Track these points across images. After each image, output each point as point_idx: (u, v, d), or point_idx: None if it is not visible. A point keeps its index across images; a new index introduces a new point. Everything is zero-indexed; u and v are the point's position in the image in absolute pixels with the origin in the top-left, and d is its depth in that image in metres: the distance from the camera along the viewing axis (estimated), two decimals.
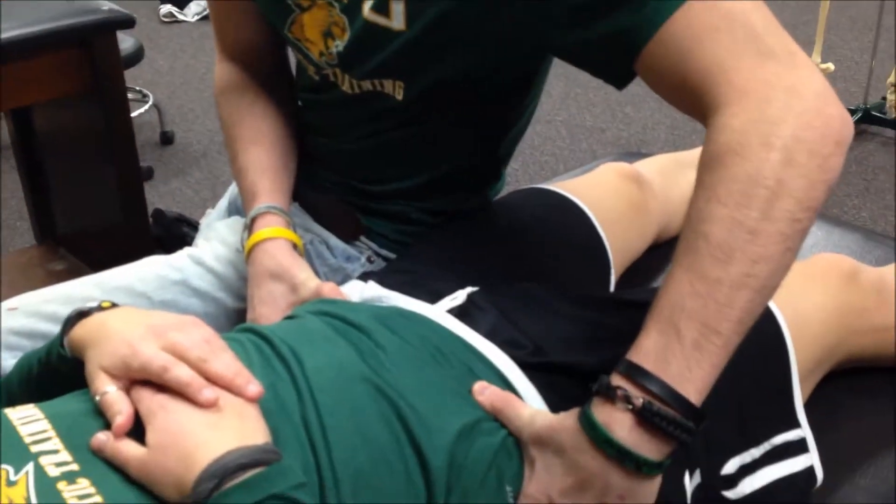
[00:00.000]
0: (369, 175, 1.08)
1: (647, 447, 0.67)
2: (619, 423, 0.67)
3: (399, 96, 0.96)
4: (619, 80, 0.81)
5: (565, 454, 0.70)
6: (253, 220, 1.02)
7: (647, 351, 0.68)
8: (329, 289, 0.93)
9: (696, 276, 0.67)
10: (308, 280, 0.96)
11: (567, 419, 0.71)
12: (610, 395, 0.68)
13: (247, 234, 1.02)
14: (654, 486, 0.69)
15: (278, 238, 1.00)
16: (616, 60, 0.79)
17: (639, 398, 0.67)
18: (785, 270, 0.69)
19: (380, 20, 0.89)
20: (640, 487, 0.69)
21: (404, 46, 0.89)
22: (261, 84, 1.12)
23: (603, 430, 0.68)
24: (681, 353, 0.67)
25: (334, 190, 1.10)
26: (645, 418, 0.67)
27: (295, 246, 1.01)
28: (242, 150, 1.08)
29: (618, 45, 0.76)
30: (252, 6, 1.06)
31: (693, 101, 0.74)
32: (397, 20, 0.88)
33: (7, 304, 1.04)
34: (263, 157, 1.07)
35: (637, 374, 0.68)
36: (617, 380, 0.68)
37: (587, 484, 0.69)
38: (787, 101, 0.69)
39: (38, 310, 1.02)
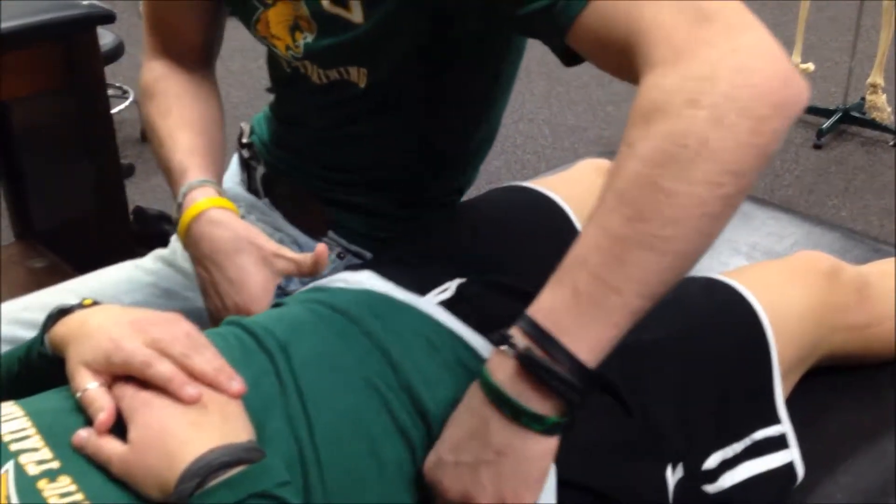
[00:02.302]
0: (339, 165, 1.07)
1: (528, 397, 0.65)
2: (501, 368, 0.66)
3: (362, 84, 0.97)
4: (563, 56, 0.80)
5: (462, 405, 0.70)
6: (185, 196, 0.93)
7: (543, 303, 0.66)
8: (320, 251, 0.88)
9: (602, 232, 0.65)
10: (277, 249, 0.90)
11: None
12: (500, 342, 0.67)
13: (180, 212, 0.93)
14: (538, 448, 0.66)
15: (221, 208, 0.92)
16: (552, 36, 0.77)
17: (521, 344, 0.65)
18: (702, 238, 0.65)
19: (340, 12, 0.90)
20: (520, 443, 0.66)
21: (363, 36, 0.90)
22: (189, 77, 1.10)
23: (487, 373, 0.67)
24: (576, 307, 0.64)
25: (304, 181, 1.10)
26: (525, 366, 0.65)
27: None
28: (168, 136, 1.02)
29: (550, 21, 0.74)
30: (193, 4, 1.07)
31: (628, 63, 0.70)
32: (356, 14, 0.89)
33: None
34: (192, 140, 1.01)
35: (526, 324, 0.66)
36: (512, 330, 0.67)
37: (471, 435, 0.67)
38: (724, 59, 0.64)
39: (17, 318, 1.03)
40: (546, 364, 0.64)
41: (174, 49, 1.11)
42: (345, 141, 1.06)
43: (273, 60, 1.09)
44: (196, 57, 1.12)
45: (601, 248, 0.64)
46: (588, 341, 0.65)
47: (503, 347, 0.66)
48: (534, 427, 0.66)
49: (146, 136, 3.38)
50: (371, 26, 0.89)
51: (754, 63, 0.64)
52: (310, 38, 0.95)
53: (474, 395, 0.68)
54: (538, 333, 0.65)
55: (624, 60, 0.71)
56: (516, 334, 0.66)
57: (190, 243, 0.93)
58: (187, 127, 1.03)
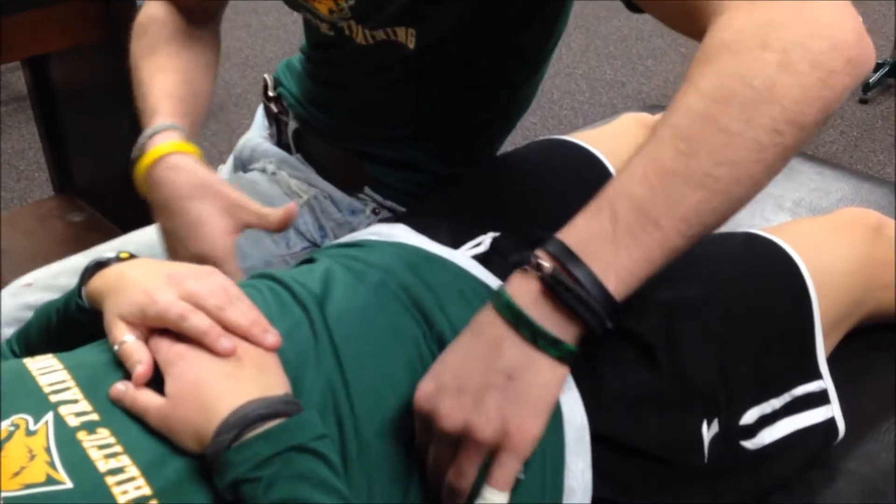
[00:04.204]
0: (381, 123, 1.06)
1: (548, 319, 0.63)
2: (524, 289, 0.64)
3: (411, 45, 0.95)
4: (628, 4, 0.78)
5: (468, 329, 0.67)
6: (150, 138, 0.89)
7: (577, 228, 0.65)
8: (290, 209, 0.85)
9: (652, 165, 0.63)
10: (241, 200, 0.86)
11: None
12: (524, 263, 0.65)
13: (138, 154, 0.89)
14: (550, 375, 0.64)
15: (182, 153, 0.88)
16: None
17: (548, 266, 0.63)
18: (752, 186, 0.63)
19: None
20: (534, 367, 0.63)
21: None
22: (185, 23, 1.07)
23: (505, 293, 0.64)
24: (611, 235, 0.63)
25: (341, 138, 1.08)
26: (550, 287, 0.63)
27: None
28: (148, 77, 0.98)
29: None
30: None
31: (693, 11, 0.68)
32: None
33: (22, 280, 1.05)
34: (171, 84, 0.97)
35: (556, 247, 0.64)
36: (538, 252, 0.65)
37: (479, 358, 0.64)
38: (800, 7, 0.63)
39: (50, 284, 1.03)
40: (573, 287, 0.62)
41: None
42: (388, 101, 1.04)
43: (310, 24, 1.06)
44: (196, 6, 1.08)
45: (648, 179, 0.63)
46: (618, 271, 0.63)
47: (527, 268, 0.64)
48: (550, 351, 0.64)
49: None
50: None
51: (829, 16, 0.63)
52: (352, 0, 0.94)
53: (486, 319, 0.66)
54: (568, 256, 0.63)
55: (688, 9, 0.69)
56: (543, 256, 0.64)
57: (147, 189, 0.90)
58: (169, 70, 0.99)
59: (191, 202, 0.86)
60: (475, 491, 0.65)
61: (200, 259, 0.86)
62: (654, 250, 0.63)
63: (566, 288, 0.62)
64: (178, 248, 0.88)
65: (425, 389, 0.66)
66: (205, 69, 1.05)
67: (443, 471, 0.66)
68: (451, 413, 0.64)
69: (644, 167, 0.64)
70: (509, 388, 0.63)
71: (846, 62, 0.62)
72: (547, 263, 0.64)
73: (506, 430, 0.63)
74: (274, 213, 0.86)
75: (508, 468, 0.64)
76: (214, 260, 0.85)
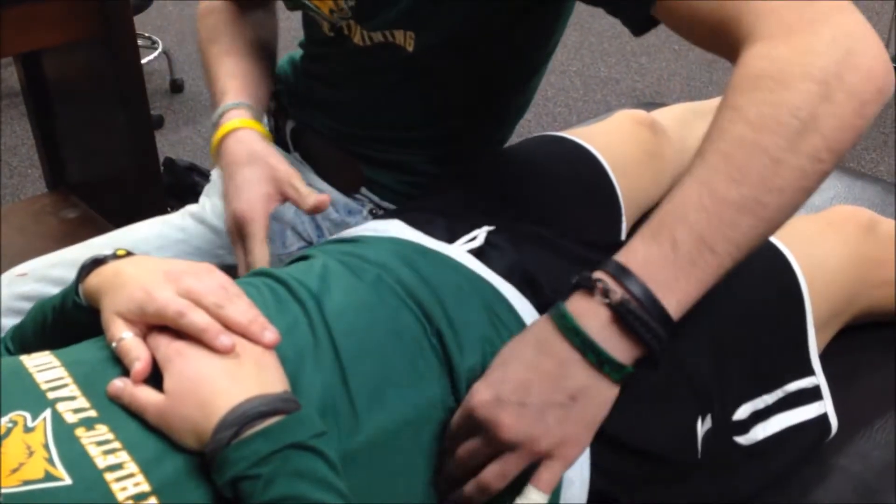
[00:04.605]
0: (376, 125, 1.07)
1: (614, 345, 0.66)
2: (591, 315, 0.67)
3: (410, 48, 0.95)
4: (637, 25, 0.80)
5: (528, 344, 0.69)
6: (221, 117, 1.01)
7: (637, 253, 0.67)
8: (322, 199, 0.91)
9: (707, 191, 0.66)
10: (289, 175, 0.93)
11: (542, 317, 0.71)
12: (589, 286, 0.67)
13: (214, 129, 1.00)
14: (609, 395, 0.68)
15: (248, 128, 0.99)
16: (636, 8, 0.77)
17: (617, 293, 0.66)
18: (794, 209, 0.67)
19: None
20: (596, 389, 0.67)
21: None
22: (242, 7, 1.14)
23: (571, 318, 0.67)
24: (672, 262, 0.66)
25: (337, 138, 1.09)
26: (620, 315, 0.66)
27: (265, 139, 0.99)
28: (215, 62, 1.09)
29: None
30: None
31: (726, 36, 0.72)
32: None
33: (16, 270, 1.07)
34: (235, 65, 1.07)
35: (620, 273, 0.66)
36: (599, 274, 0.67)
37: (543, 377, 0.67)
38: (835, 38, 0.67)
39: (45, 275, 1.04)
40: (643, 317, 0.65)
41: None
42: (384, 103, 1.04)
43: (311, 21, 1.07)
44: None
45: (704, 206, 0.66)
46: (678, 296, 0.66)
47: (597, 296, 0.66)
48: (612, 375, 0.67)
49: (175, 87, 3.40)
50: None
51: (861, 46, 0.67)
52: (352, 0, 0.94)
53: (549, 337, 0.68)
54: (633, 282, 0.66)
55: (717, 32, 0.72)
56: (608, 281, 0.67)
57: (217, 158, 0.99)
58: (232, 52, 1.09)
59: (242, 167, 0.95)
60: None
61: (235, 216, 0.93)
62: (710, 274, 0.66)
63: (637, 317, 0.65)
64: (225, 207, 0.96)
65: (484, 397, 0.68)
66: (262, 47, 1.13)
67: (473, 467, 0.68)
68: (514, 426, 0.66)
69: (699, 194, 0.66)
70: (572, 407, 0.67)
71: (877, 92, 0.66)
72: (615, 289, 0.66)
73: (561, 443, 0.67)
74: (310, 196, 0.92)
75: (556, 473, 0.68)
76: (246, 218, 0.91)
